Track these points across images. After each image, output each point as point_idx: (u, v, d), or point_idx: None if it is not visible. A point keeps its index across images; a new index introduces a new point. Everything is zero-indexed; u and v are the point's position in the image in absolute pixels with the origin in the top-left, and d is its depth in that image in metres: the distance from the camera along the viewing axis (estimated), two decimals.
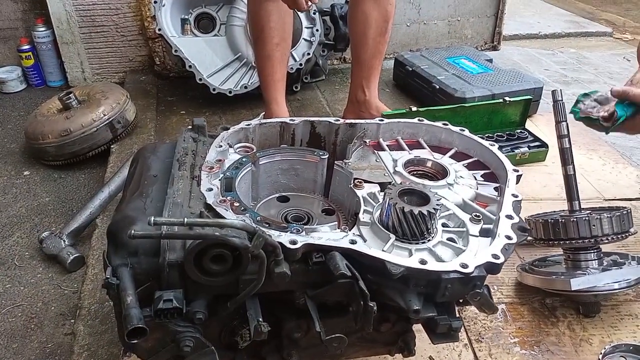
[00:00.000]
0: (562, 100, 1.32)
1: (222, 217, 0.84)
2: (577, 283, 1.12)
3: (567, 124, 1.29)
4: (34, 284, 1.42)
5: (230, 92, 2.16)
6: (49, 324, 1.29)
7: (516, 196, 1.02)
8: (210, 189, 0.92)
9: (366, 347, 0.99)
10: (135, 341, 0.73)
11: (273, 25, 1.76)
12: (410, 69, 2.38)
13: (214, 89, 2.15)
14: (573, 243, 1.19)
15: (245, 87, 2.19)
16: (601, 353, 1.06)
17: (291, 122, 1.19)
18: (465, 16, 2.80)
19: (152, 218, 0.71)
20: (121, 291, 0.76)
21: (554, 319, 1.23)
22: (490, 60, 2.43)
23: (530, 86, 2.14)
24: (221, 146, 1.06)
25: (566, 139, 1.28)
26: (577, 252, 1.21)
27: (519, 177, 1.10)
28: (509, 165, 1.11)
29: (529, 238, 1.33)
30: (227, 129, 1.13)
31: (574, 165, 1.27)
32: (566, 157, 1.28)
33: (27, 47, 2.53)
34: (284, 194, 1.11)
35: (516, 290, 1.31)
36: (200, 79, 2.14)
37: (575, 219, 1.18)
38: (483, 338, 1.18)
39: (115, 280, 0.77)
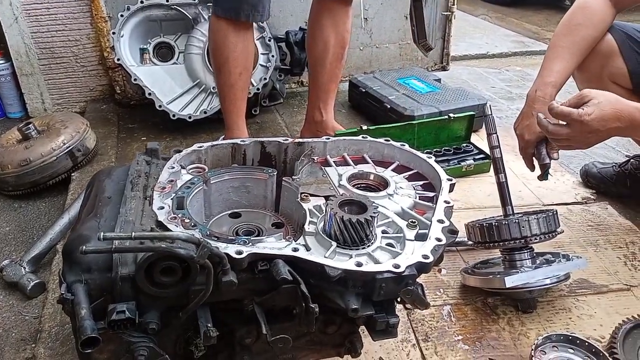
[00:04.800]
0: (491, 114, 1.43)
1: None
2: (511, 280, 1.22)
3: (498, 136, 1.40)
4: None
5: (190, 118, 2.23)
6: (10, 350, 1.30)
7: (448, 202, 1.11)
8: (162, 208, 0.98)
9: (316, 350, 1.06)
10: (89, 351, 0.78)
11: (237, 56, 1.83)
12: (364, 90, 2.50)
13: (173, 115, 2.21)
14: (506, 244, 1.29)
15: (205, 112, 2.26)
16: (534, 344, 1.15)
17: (242, 142, 1.27)
18: None
19: (102, 233, 0.76)
20: (75, 305, 0.81)
21: (495, 317, 1.32)
22: (439, 80, 2.58)
23: (475, 103, 2.28)
24: (173, 167, 1.13)
25: (497, 150, 1.39)
26: (512, 253, 1.32)
27: (452, 186, 1.18)
28: (443, 175, 1.20)
29: (469, 242, 1.43)
30: (180, 151, 1.20)
31: (505, 174, 1.38)
32: (498, 166, 1.39)
33: None
34: (235, 210, 1.18)
35: (461, 292, 1.40)
36: (160, 106, 2.20)
37: (506, 222, 1.28)
38: (430, 338, 1.26)
39: (70, 295, 0.82)
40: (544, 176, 1.44)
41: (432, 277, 1.43)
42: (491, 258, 1.48)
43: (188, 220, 0.96)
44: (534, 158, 1.46)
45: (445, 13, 2.94)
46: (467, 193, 1.87)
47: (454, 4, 2.93)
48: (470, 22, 4.60)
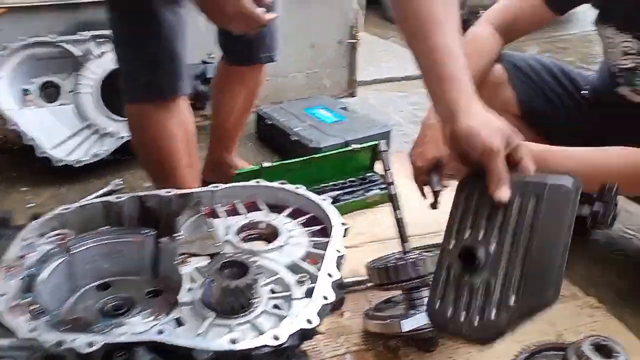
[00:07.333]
0: (387, 150, 1.43)
1: (8, 330, 0.77)
2: (409, 325, 1.19)
3: (392, 173, 1.39)
4: None
5: (76, 163, 2.06)
6: None
7: (339, 251, 1.05)
8: (2, 295, 0.84)
9: None
10: None
11: (180, 146, 1.47)
12: (270, 122, 2.45)
13: (59, 161, 2.03)
14: (404, 285, 1.26)
15: (96, 156, 2.11)
16: None
17: (116, 200, 1.15)
18: (322, 67, 2.96)
19: None
20: None
21: None
22: (345, 108, 2.58)
23: (379, 131, 2.29)
24: (27, 239, 0.99)
25: (393, 186, 1.38)
26: (410, 292, 1.29)
27: (346, 231, 1.13)
28: (335, 219, 1.14)
29: (369, 284, 1.39)
30: (38, 217, 1.06)
31: (401, 210, 1.36)
32: (394, 203, 1.37)
33: None
34: (105, 280, 1.06)
35: (363, 337, 1.35)
36: (43, 152, 2.01)
37: (403, 262, 1.26)
38: None
39: None
40: (435, 204, 1.43)
41: (334, 323, 1.37)
42: (394, 296, 1.45)
43: (36, 306, 0.84)
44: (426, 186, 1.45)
45: (351, 41, 2.97)
46: (373, 224, 1.85)
47: (357, 32, 2.97)
48: (379, 45, 4.72)
